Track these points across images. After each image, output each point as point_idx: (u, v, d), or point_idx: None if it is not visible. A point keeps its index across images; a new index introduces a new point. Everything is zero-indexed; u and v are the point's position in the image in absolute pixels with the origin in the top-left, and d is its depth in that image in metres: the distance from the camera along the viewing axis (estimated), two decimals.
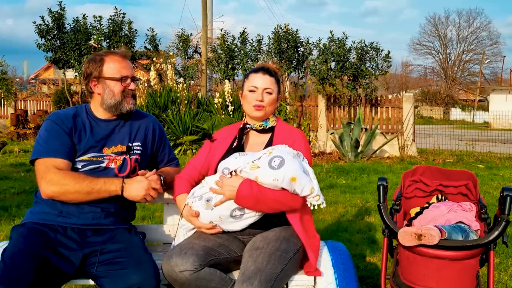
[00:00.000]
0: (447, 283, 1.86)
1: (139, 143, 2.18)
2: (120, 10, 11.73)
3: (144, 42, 12.22)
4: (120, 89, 2.08)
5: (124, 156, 2.10)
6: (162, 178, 2.12)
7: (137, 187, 1.99)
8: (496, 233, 1.84)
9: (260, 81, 2.13)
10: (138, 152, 2.16)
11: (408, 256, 1.92)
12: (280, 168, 1.83)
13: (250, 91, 2.14)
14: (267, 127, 2.17)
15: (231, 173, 1.94)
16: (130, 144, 2.13)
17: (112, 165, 2.07)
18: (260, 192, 1.86)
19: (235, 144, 2.17)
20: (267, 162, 1.86)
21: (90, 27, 11.58)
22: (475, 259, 1.87)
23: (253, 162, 1.90)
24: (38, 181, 1.97)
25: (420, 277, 1.90)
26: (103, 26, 11.63)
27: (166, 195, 2.31)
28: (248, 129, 2.19)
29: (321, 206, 1.93)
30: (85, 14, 11.59)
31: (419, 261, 1.87)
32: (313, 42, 10.87)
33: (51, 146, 1.99)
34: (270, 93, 2.13)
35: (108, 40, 11.64)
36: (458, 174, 2.32)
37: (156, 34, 12.19)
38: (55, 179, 1.93)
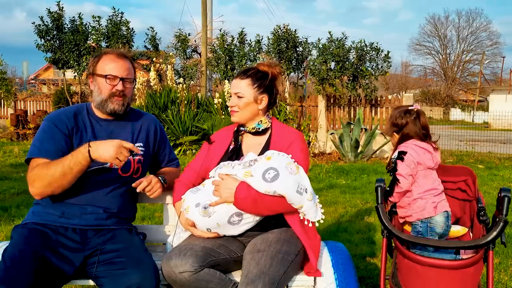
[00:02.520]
0: None
1: (142, 144, 2.18)
2: (118, 10, 11.76)
3: (144, 41, 12.26)
4: (107, 87, 2.06)
5: (128, 157, 2.10)
6: (162, 178, 2.12)
7: (106, 147, 1.85)
8: (494, 233, 1.84)
9: (232, 86, 2.16)
10: (141, 153, 2.16)
11: (407, 264, 1.92)
12: (272, 182, 1.83)
13: (230, 96, 2.17)
14: (260, 130, 2.17)
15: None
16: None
17: (116, 166, 2.06)
18: (258, 193, 1.86)
19: (231, 146, 2.17)
20: (261, 173, 1.85)
21: (89, 27, 11.59)
22: (474, 267, 1.85)
23: (249, 164, 1.90)
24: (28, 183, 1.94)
25: (420, 286, 1.89)
26: (101, 27, 11.63)
27: (166, 196, 2.32)
28: (243, 132, 2.20)
29: (316, 224, 1.94)
30: (80, 13, 11.60)
31: (418, 269, 1.87)
32: (313, 43, 10.88)
33: (45, 147, 1.98)
34: (240, 97, 2.12)
35: (106, 40, 11.64)
36: (457, 170, 2.32)
37: (156, 34, 12.21)
38: (33, 177, 1.91)
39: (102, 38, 11.53)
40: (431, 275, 1.84)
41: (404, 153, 2.17)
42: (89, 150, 1.85)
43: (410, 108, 2.27)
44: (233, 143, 2.18)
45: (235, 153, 2.13)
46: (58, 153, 1.97)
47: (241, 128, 2.19)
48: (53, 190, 1.91)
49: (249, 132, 2.18)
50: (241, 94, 2.12)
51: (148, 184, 2.05)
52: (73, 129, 2.04)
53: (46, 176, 1.87)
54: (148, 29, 12.24)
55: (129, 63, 2.13)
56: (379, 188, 2.07)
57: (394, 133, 2.28)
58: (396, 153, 2.22)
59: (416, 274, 1.88)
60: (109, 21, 11.71)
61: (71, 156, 1.88)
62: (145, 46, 12.29)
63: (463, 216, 2.31)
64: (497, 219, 1.86)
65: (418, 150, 2.18)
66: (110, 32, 11.58)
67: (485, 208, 2.12)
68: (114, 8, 11.73)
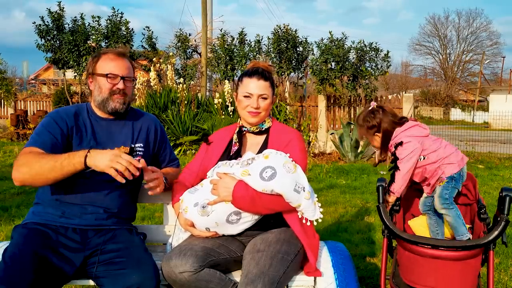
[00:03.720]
0: (447, 283, 1.86)
1: (142, 144, 2.17)
2: (117, 10, 11.77)
3: (141, 41, 12.26)
4: (107, 86, 2.06)
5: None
6: (164, 179, 2.12)
7: (103, 156, 1.80)
8: (496, 233, 1.84)
9: (255, 87, 2.10)
10: (141, 153, 2.15)
11: (409, 256, 1.92)
12: (270, 180, 1.83)
13: (245, 96, 2.12)
14: (263, 129, 2.17)
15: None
16: (133, 146, 2.12)
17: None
18: (255, 191, 1.86)
19: (235, 147, 2.16)
20: (258, 172, 1.85)
21: (89, 27, 11.60)
22: (475, 259, 1.87)
23: (247, 163, 1.90)
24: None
25: (420, 276, 1.90)
26: (101, 27, 11.64)
27: (166, 196, 2.31)
28: (245, 132, 2.19)
29: (314, 223, 1.95)
30: (82, 13, 11.63)
31: (419, 260, 1.88)
32: (315, 42, 10.89)
33: (42, 138, 1.96)
34: (265, 98, 2.11)
35: (106, 41, 11.64)
36: None
37: (152, 33, 12.20)
38: (22, 161, 1.88)
39: (101, 38, 11.54)
40: (432, 266, 1.85)
41: (401, 143, 2.20)
42: (86, 156, 1.81)
43: (371, 107, 2.33)
44: (233, 143, 2.17)
45: (234, 154, 2.13)
46: (53, 147, 1.95)
47: (244, 129, 2.19)
48: (35, 181, 1.87)
49: (252, 132, 2.18)
50: (266, 95, 2.11)
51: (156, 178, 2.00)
52: (73, 128, 2.04)
53: (35, 164, 1.84)
54: (144, 28, 12.24)
55: (128, 62, 2.14)
56: (380, 188, 2.08)
57: (376, 134, 2.31)
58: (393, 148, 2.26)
59: (417, 265, 1.89)
60: (108, 21, 11.72)
61: (68, 156, 1.84)
62: (142, 46, 12.30)
63: (464, 218, 2.31)
64: (499, 219, 1.86)
65: (406, 133, 2.21)
66: (110, 32, 11.58)
67: (485, 206, 2.12)
68: (114, 8, 11.76)
